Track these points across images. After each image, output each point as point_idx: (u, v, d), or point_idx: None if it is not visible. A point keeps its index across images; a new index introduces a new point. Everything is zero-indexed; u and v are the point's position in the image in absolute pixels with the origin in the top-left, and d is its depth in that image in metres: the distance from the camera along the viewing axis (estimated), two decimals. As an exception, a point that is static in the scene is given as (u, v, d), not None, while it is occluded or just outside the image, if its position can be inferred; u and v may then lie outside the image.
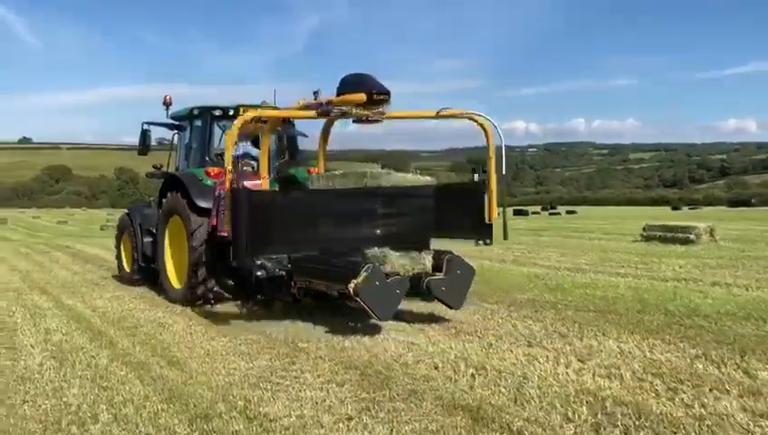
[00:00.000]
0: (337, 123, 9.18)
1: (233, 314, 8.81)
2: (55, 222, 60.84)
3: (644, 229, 18.47)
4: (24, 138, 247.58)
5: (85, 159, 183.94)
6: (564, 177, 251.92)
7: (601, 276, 11.44)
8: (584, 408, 4.71)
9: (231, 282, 9.25)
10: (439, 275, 7.81)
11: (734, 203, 78.77)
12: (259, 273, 8.04)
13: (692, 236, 16.91)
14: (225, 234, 7.75)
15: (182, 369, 6.09)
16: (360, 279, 6.88)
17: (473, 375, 5.60)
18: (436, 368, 5.88)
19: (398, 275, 7.40)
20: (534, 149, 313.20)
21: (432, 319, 8.07)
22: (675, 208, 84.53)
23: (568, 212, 75.93)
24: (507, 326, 7.54)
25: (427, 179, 8.72)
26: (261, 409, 4.89)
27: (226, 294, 9.40)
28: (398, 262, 7.67)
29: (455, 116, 8.61)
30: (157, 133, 11.89)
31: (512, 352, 6.36)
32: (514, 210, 71.51)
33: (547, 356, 6.12)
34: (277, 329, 7.68)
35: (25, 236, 35.58)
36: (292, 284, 8.02)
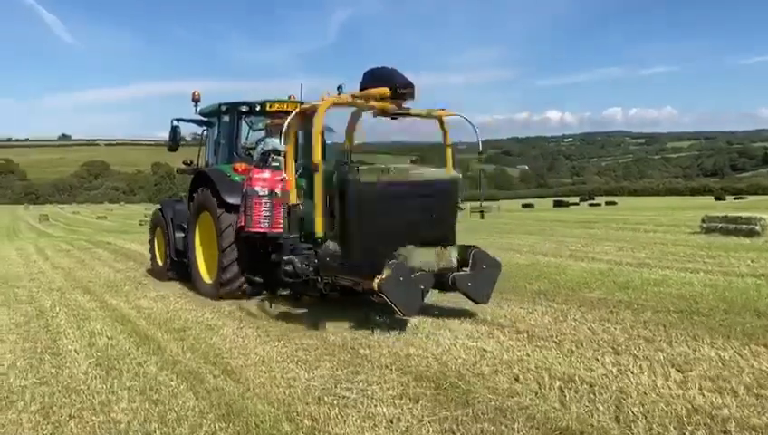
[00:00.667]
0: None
1: (284, 315, 8.32)
2: (95, 217, 61.57)
3: (703, 221, 17.54)
4: (63, 135, 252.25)
5: (122, 154, 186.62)
6: (601, 167, 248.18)
7: (670, 272, 10.70)
8: (703, 431, 4.09)
9: (259, 278, 9.29)
10: (465, 271, 7.58)
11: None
12: (287, 268, 7.93)
13: (757, 228, 15.95)
14: (254, 229, 8.59)
15: (238, 379, 5.59)
16: (384, 275, 6.72)
17: (561, 389, 5.00)
18: (516, 380, 5.29)
19: (423, 271, 7.18)
20: (570, 139, 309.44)
21: (497, 322, 7.48)
22: (718, 199, 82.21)
23: (607, 203, 74.39)
24: (584, 330, 6.90)
25: (453, 174, 8.26)
26: (330, 428, 4.38)
27: (255, 288, 9.45)
28: (424, 259, 7.39)
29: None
30: (190, 129, 12.00)
31: (598, 360, 5.74)
32: (554, 201, 70.64)
33: (640, 366, 5.48)
34: (334, 332, 7.17)
35: (66, 233, 35.82)
36: (319, 279, 7.87)
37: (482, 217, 9.49)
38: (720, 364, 5.48)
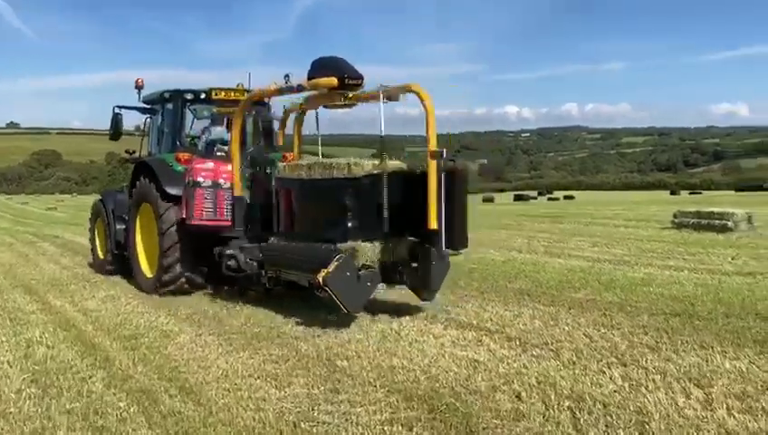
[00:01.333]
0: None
1: (248, 320, 7.54)
2: (44, 209, 59.12)
3: (675, 216, 17.29)
4: (12, 122, 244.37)
5: (75, 144, 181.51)
6: (557, 162, 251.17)
7: (653, 270, 10.26)
8: (748, 465, 3.51)
9: (201, 275, 9.09)
10: (414, 265, 7.40)
11: (746, 187, 76.70)
12: (230, 262, 7.85)
13: (729, 224, 15.74)
14: (197, 222, 8.48)
15: (198, 400, 4.83)
16: (330, 268, 6.63)
17: (571, 409, 4.39)
18: (519, 398, 4.66)
19: (371, 267, 7.09)
20: (527, 134, 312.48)
21: (484, 326, 6.85)
22: (673, 193, 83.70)
23: (566, 198, 74.77)
24: (580, 336, 6.32)
25: (399, 165, 7.58)
26: (310, 466, 3.67)
27: (199, 280, 9.17)
28: (372, 253, 7.19)
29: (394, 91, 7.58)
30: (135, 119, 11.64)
31: (604, 373, 5.14)
32: (514, 196, 70.75)
33: (653, 380, 4.91)
34: (306, 341, 6.44)
35: (12, 224, 33.99)
36: (263, 273, 7.83)
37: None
38: (740, 378, 4.93)
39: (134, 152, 11.44)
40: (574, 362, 5.45)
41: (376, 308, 7.68)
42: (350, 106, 8.06)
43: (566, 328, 6.67)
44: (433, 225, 6.85)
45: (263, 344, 6.37)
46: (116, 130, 11.19)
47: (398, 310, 7.66)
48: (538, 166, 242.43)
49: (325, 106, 8.21)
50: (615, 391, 4.71)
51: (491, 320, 7.11)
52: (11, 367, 5.85)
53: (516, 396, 4.68)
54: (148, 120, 11.34)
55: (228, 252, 7.87)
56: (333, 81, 7.36)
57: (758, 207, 21.15)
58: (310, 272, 6.93)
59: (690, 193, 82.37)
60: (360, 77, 7.55)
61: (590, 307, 7.63)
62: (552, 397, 4.62)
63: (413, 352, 5.92)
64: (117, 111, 11.12)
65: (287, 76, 7.93)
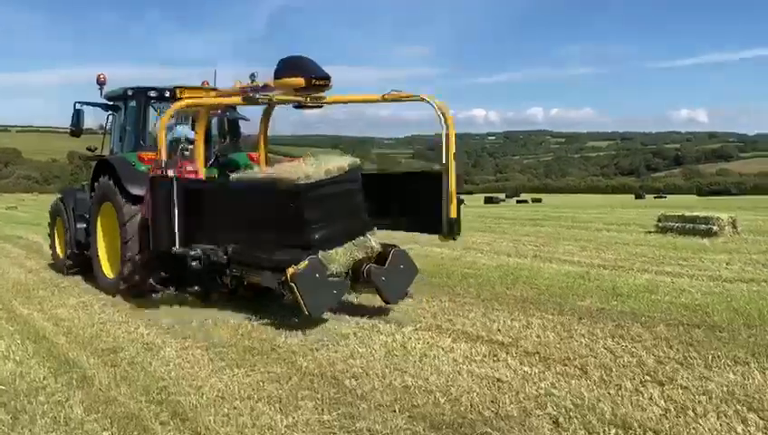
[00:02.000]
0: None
1: (236, 330, 6.96)
2: (4, 208, 57.03)
3: (659, 220, 17.07)
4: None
5: (36, 141, 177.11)
6: (523, 165, 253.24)
7: (652, 276, 9.90)
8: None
9: (164, 276, 8.53)
10: (381, 266, 7.45)
11: (709, 192, 77.84)
12: (193, 263, 7.60)
13: (714, 228, 15.53)
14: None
15: (195, 429, 4.25)
16: (300, 266, 6.63)
17: (619, 438, 3.93)
18: (556, 423, 4.19)
19: (342, 276, 7.12)
20: (493, 137, 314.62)
21: (495, 338, 6.38)
22: (638, 197, 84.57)
23: (534, 200, 74.85)
24: (601, 350, 5.88)
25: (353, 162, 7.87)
26: None
27: (159, 287, 8.60)
28: (343, 257, 7.24)
29: (402, 99, 7.90)
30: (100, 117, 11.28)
31: (642, 394, 4.70)
32: (485, 198, 70.59)
33: (700, 402, 4.48)
34: (304, 355, 5.90)
35: (-29, 224, 32.68)
36: (227, 273, 7.71)
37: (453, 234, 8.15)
38: (790, 399, 4.53)
39: (96, 149, 11.14)
40: (606, 381, 5.00)
41: (371, 313, 7.21)
42: (319, 106, 7.93)
43: (583, 341, 6.23)
44: (453, 214, 7.60)
45: (258, 360, 5.81)
46: (77, 127, 10.89)
47: (396, 319, 7.18)
48: (504, 169, 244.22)
49: (295, 106, 8.00)
50: (662, 416, 4.26)
51: (501, 331, 6.65)
52: (-26, 388, 5.20)
53: (554, 422, 4.22)
54: (111, 117, 11.00)
55: (192, 253, 7.60)
56: (300, 81, 7.36)
57: (725, 212, 21.11)
58: (279, 271, 6.86)
59: (655, 197, 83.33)
60: (327, 77, 7.54)
61: (601, 317, 7.21)
62: (595, 422, 4.16)
63: (425, 368, 5.42)
64: (78, 106, 10.86)
65: (253, 75, 7.80)
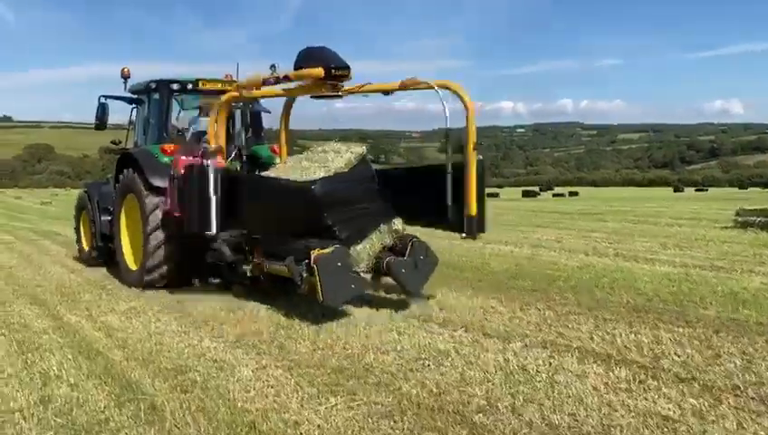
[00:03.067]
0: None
1: (312, 342, 6.03)
2: (39, 203, 57.43)
3: (738, 214, 15.88)
4: (5, 116, 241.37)
5: (68, 137, 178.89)
6: (554, 157, 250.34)
7: (763, 279, 8.78)
8: None
9: (186, 267, 8.82)
10: (401, 258, 7.38)
11: (751, 184, 75.25)
12: (214, 253, 7.78)
13: (802, 223, 14.33)
14: (180, 214, 8.22)
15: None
16: (325, 251, 6.64)
17: None
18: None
19: (361, 273, 7.12)
20: (522, 130, 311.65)
21: (633, 359, 5.35)
22: (677, 190, 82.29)
23: (570, 193, 73.31)
24: (751, 379, 4.83)
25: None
26: None
27: (184, 273, 8.87)
28: (370, 249, 7.36)
29: (420, 87, 7.45)
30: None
31: None
32: (523, 192, 69.20)
33: None
34: (406, 379, 4.94)
35: (8, 220, 32.31)
36: (248, 267, 7.81)
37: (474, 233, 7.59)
38: None
39: (120, 142, 11.30)
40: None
41: (458, 321, 6.28)
42: (338, 96, 7.82)
43: (738, 362, 5.16)
44: (473, 211, 7.07)
45: (354, 385, 4.85)
46: (102, 120, 10.97)
47: (496, 330, 6.23)
48: (534, 162, 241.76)
49: (313, 96, 7.94)
50: None
51: (630, 348, 5.61)
52: (25, 420, 4.33)
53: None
54: (135, 110, 11.07)
55: (213, 244, 7.69)
56: (320, 71, 7.27)
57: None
58: (303, 257, 6.79)
59: (696, 190, 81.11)
60: (347, 67, 7.45)
61: (741, 330, 6.12)
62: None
63: (564, 400, 4.42)
64: (103, 100, 10.90)
65: (273, 66, 7.75)
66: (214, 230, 7.78)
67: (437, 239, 8.82)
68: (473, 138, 7.05)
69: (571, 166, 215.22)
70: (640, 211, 22.70)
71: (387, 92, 7.87)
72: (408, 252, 7.42)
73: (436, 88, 7.14)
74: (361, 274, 7.17)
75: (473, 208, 7.05)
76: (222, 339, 6.34)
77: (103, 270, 10.94)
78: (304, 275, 6.77)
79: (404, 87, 7.55)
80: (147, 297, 8.53)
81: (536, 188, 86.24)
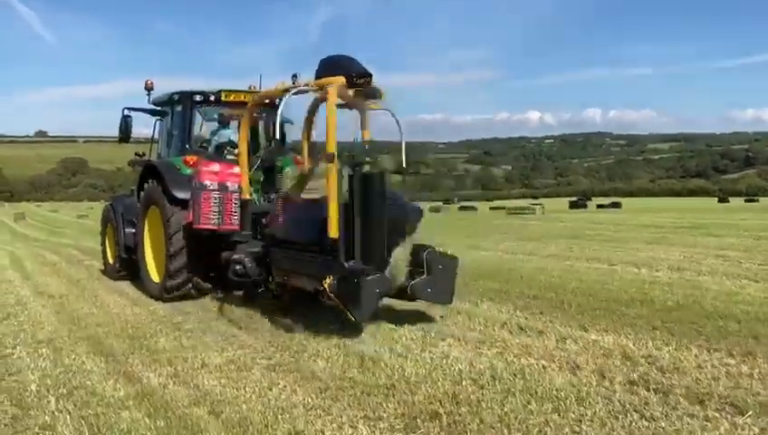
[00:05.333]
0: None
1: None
2: (75, 217, 56.70)
3: None
4: (40, 131, 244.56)
5: (101, 151, 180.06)
6: (584, 168, 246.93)
7: None
8: None
9: (208, 280, 8.91)
10: (422, 278, 7.02)
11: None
12: (237, 267, 7.71)
13: None
14: (203, 226, 8.35)
15: None
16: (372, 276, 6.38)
17: None
18: None
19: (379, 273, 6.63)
20: (551, 140, 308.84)
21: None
22: (722, 200, 79.01)
23: (613, 204, 70.41)
24: None
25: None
26: None
27: (204, 287, 9.04)
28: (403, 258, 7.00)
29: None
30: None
31: None
32: (570, 202, 66.65)
33: None
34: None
35: (47, 235, 31.06)
36: (270, 280, 7.77)
37: None
38: None
39: (144, 154, 11.28)
40: None
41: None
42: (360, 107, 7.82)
43: None
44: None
45: None
46: (125, 133, 10.91)
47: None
48: (564, 172, 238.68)
49: (339, 106, 7.47)
50: None
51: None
52: None
53: None
54: (158, 122, 11.13)
55: (235, 257, 7.69)
56: (341, 79, 7.10)
57: None
58: (315, 279, 6.75)
59: (746, 200, 77.79)
60: (368, 74, 7.31)
61: None
62: None
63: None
64: (126, 112, 10.86)
65: (295, 76, 7.69)
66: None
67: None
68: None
69: (602, 176, 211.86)
70: (732, 223, 20.42)
71: None
72: (425, 267, 7.04)
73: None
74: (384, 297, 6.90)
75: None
76: (384, 423, 4.42)
77: (171, 304, 9.11)
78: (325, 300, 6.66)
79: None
80: (241, 343, 6.66)
81: (573, 199, 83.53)
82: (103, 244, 12.34)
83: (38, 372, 5.88)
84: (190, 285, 8.98)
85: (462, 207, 63.38)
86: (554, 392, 4.83)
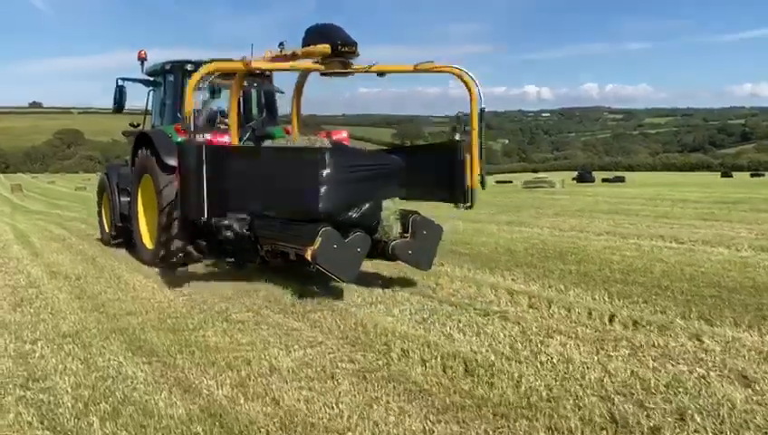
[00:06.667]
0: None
1: None
2: (73, 188, 55.45)
3: None
4: (35, 102, 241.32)
5: (97, 123, 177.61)
6: (581, 142, 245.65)
7: None
8: None
9: (203, 242, 8.43)
10: (404, 239, 7.35)
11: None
12: (227, 233, 7.28)
13: None
14: None
15: None
16: (316, 245, 6.51)
17: None
18: None
19: (358, 232, 6.88)
20: (548, 114, 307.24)
21: None
22: (725, 175, 77.79)
23: (616, 178, 69.02)
24: None
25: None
26: None
27: (196, 254, 8.80)
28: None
29: (433, 70, 7.85)
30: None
31: None
32: (578, 176, 65.23)
33: None
34: None
35: (48, 207, 29.84)
36: (260, 246, 7.53)
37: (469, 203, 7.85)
38: None
39: (138, 125, 11.38)
40: None
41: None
42: (346, 74, 7.75)
43: None
44: (475, 183, 7.63)
45: None
46: (119, 103, 11.23)
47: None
48: (561, 146, 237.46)
49: (322, 74, 7.84)
50: None
51: None
52: None
53: None
54: (152, 92, 11.21)
55: (224, 222, 7.36)
56: (327, 48, 7.24)
57: None
58: (298, 246, 6.84)
59: (752, 175, 76.55)
60: (354, 44, 7.41)
61: None
62: None
63: None
64: (120, 83, 11.06)
65: (281, 44, 7.69)
66: (205, 216, 7.02)
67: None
68: (474, 121, 7.64)
69: (599, 150, 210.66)
70: (760, 197, 19.42)
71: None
72: (409, 231, 7.40)
73: (458, 70, 7.66)
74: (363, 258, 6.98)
75: (475, 181, 7.63)
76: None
77: (207, 287, 8.01)
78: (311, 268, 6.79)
79: (416, 70, 7.74)
80: (308, 339, 5.56)
81: (575, 174, 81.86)
82: (100, 212, 12.56)
83: (69, 377, 4.77)
84: (182, 249, 8.85)
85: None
86: (744, 416, 3.76)
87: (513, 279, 7.92)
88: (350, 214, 7.09)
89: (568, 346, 5.17)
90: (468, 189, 7.64)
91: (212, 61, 9.51)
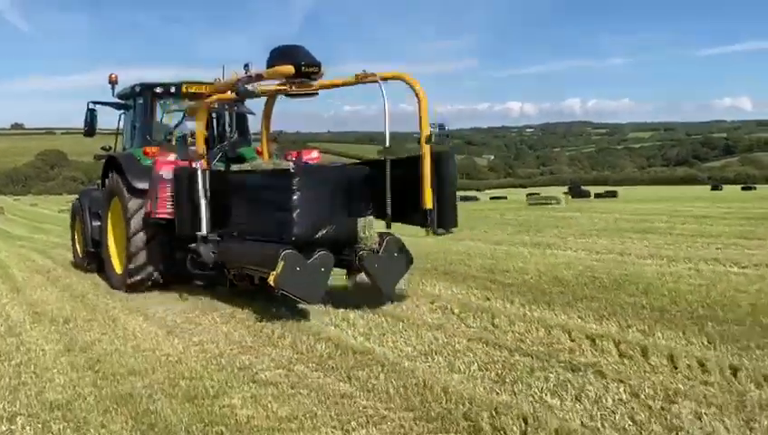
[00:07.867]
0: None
1: None
2: (57, 211, 53.83)
3: None
4: (16, 123, 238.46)
5: (81, 143, 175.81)
6: (566, 157, 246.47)
7: None
8: None
9: (169, 270, 8.69)
10: (374, 253, 7.28)
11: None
12: (195, 256, 7.61)
13: None
14: (160, 215, 8.43)
15: None
16: (278, 270, 6.49)
17: None
18: None
19: (321, 250, 6.85)
20: (531, 130, 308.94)
21: None
22: (715, 188, 77.50)
23: (607, 193, 68.44)
24: None
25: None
26: None
27: (166, 276, 8.92)
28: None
29: (377, 79, 7.36)
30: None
31: None
32: (571, 191, 64.36)
33: None
34: None
35: (31, 231, 28.30)
36: (227, 270, 7.79)
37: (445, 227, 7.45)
38: None
39: (110, 148, 11.30)
40: None
41: None
42: (311, 95, 7.96)
43: None
44: (428, 205, 7.07)
45: None
46: (91, 126, 11.20)
47: None
48: (547, 161, 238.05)
49: (286, 95, 8.04)
50: None
51: None
52: None
53: None
54: (123, 115, 11.19)
55: (192, 246, 7.55)
56: (290, 68, 7.30)
57: None
58: (262, 271, 6.87)
59: (742, 188, 76.21)
60: (318, 64, 7.47)
61: None
62: None
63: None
64: (91, 106, 11.07)
65: (247, 66, 7.68)
66: (205, 231, 7.61)
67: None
68: (426, 130, 7.12)
69: (585, 165, 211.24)
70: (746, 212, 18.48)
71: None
72: (382, 247, 7.28)
73: (379, 81, 7.25)
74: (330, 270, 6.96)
75: (428, 201, 7.05)
76: None
77: (221, 332, 6.80)
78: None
79: (357, 81, 7.55)
80: (360, 408, 4.38)
81: (564, 189, 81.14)
82: (73, 237, 12.45)
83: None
84: (150, 274, 8.93)
85: (464, 198, 61.04)
86: None
87: (580, 317, 6.78)
88: (324, 231, 6.99)
89: (705, 417, 4.03)
90: (426, 211, 7.04)
91: (182, 83, 9.99)
